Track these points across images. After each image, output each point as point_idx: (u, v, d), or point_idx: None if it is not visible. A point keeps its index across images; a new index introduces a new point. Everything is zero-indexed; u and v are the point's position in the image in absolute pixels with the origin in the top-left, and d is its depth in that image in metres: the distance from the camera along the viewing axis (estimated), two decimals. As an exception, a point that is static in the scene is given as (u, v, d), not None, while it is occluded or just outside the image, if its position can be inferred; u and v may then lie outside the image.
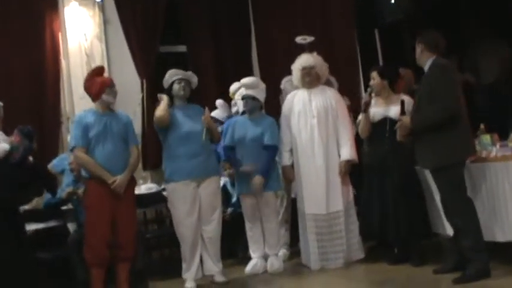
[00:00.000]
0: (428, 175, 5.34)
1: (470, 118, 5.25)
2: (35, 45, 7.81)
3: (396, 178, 5.58)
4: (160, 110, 5.67)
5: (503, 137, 5.69)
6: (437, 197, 5.25)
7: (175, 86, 5.84)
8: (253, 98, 6.10)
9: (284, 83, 6.79)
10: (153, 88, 8.29)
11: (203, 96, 8.46)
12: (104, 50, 8.22)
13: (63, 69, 8.02)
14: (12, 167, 5.19)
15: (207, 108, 5.83)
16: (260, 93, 6.15)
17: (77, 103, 7.91)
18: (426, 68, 5.09)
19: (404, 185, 5.55)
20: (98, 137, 5.25)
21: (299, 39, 6.62)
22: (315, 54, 6.21)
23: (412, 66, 6.04)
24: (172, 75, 5.88)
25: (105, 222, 5.17)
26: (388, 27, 7.96)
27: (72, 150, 5.34)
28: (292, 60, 6.33)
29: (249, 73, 9.18)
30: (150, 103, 8.34)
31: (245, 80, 6.26)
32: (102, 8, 8.27)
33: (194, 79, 6.00)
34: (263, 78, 8.91)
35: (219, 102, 7.32)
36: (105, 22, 8.31)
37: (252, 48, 9.38)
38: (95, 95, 5.37)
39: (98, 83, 5.35)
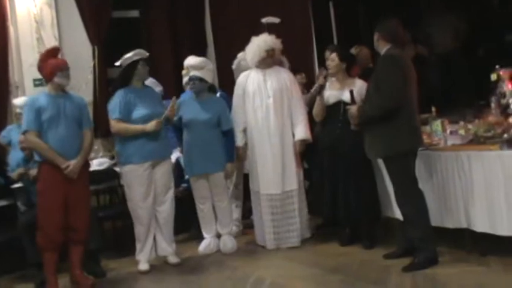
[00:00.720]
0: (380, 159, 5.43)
1: (423, 95, 5.29)
2: (-20, 10, 7.54)
3: (348, 160, 5.62)
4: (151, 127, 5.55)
5: (454, 113, 5.82)
6: (388, 181, 5.33)
7: (141, 68, 5.68)
8: (201, 80, 6.02)
9: (237, 63, 6.69)
10: (105, 55, 8.18)
11: (156, 63, 8.38)
12: (54, 17, 8.00)
13: (11, 36, 7.79)
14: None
15: (174, 98, 5.73)
16: (207, 74, 6.07)
17: (26, 71, 7.77)
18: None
19: (355, 168, 5.60)
20: (51, 120, 5.13)
21: (265, 20, 6.49)
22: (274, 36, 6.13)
23: (365, 42, 6.01)
24: (138, 55, 5.68)
25: (58, 207, 5.10)
26: (343, 1, 7.92)
27: (24, 133, 5.22)
28: (247, 31, 6.27)
29: (203, 40, 9.13)
30: (101, 70, 8.23)
31: (191, 61, 6.14)
32: (51, -29, 8.00)
33: None
34: (217, 49, 8.96)
35: (149, 80, 7.09)
36: (55, -13, 8.07)
37: (206, 18, 9.23)
38: (47, 77, 5.25)
39: (50, 65, 5.20)
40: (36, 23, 7.81)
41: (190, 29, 9.03)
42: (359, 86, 5.63)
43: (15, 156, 6.07)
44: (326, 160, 5.83)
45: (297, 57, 7.01)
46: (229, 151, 6.05)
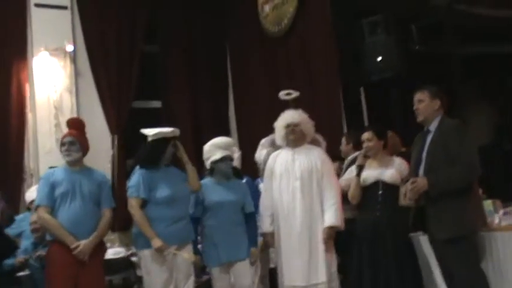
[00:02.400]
0: (425, 244, 4.94)
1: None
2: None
3: (389, 247, 5.11)
4: None
5: (504, 199, 5.37)
6: (435, 269, 4.85)
7: (171, 150, 5.28)
8: (231, 159, 5.62)
9: (259, 151, 6.30)
10: (124, 144, 7.91)
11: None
12: (73, 104, 7.80)
13: (29, 123, 7.58)
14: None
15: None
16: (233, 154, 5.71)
17: (42, 159, 7.46)
18: (433, 127, 4.70)
19: (398, 255, 5.09)
20: (64, 195, 4.77)
21: (282, 95, 6.17)
22: (300, 111, 5.75)
23: (397, 127, 5.71)
24: (173, 133, 5.27)
25: (67, 292, 4.62)
26: (375, 85, 7.65)
27: (36, 209, 4.86)
28: (273, 118, 5.92)
29: (226, 129, 8.88)
30: (120, 160, 7.93)
31: (221, 140, 5.69)
32: (74, 59, 7.88)
33: None
34: (240, 137, 8.68)
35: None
36: (77, 74, 7.91)
37: (230, 106, 9.01)
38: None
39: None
40: (55, 109, 7.58)
41: (213, 119, 8.81)
42: (398, 164, 5.27)
43: (24, 244, 5.72)
44: (365, 246, 5.29)
45: (326, 141, 6.61)
46: (253, 236, 5.55)
